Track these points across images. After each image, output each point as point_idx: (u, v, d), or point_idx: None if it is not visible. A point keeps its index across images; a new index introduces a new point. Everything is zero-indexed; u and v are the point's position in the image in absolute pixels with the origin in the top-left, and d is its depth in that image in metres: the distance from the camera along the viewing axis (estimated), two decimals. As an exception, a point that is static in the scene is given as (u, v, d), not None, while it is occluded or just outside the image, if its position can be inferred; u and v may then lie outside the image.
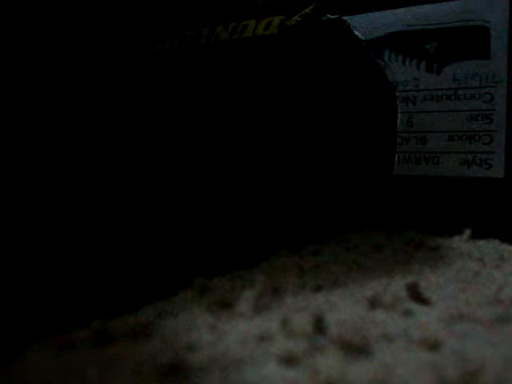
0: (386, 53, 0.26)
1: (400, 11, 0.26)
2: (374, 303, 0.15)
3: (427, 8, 0.25)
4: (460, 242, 0.23)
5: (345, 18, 0.27)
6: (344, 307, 0.15)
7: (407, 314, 0.14)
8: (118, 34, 0.30)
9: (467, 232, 0.23)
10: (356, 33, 0.27)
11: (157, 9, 0.32)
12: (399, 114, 0.26)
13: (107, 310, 0.14)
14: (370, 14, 0.27)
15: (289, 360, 0.12)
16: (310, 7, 0.28)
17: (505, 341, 0.12)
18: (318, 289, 0.17)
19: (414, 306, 0.15)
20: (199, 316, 0.15)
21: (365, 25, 0.27)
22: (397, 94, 0.26)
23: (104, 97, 0.28)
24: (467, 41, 0.24)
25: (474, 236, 0.23)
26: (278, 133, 0.25)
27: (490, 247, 0.22)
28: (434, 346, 0.12)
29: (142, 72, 0.30)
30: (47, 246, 0.20)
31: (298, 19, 0.28)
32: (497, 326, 0.13)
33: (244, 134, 0.25)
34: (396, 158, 0.26)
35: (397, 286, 0.16)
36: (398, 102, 0.26)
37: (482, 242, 0.23)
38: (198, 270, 0.18)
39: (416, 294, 0.16)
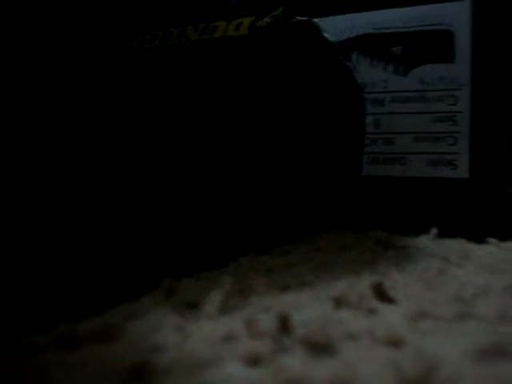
0: (355, 55, 0.27)
1: (368, 14, 0.26)
2: (339, 302, 0.15)
3: (394, 12, 0.26)
4: (426, 241, 0.23)
5: (315, 20, 0.27)
6: (310, 307, 0.15)
7: (372, 312, 0.15)
8: (87, 34, 0.30)
9: (434, 231, 0.23)
10: (325, 35, 0.27)
11: (127, 8, 0.32)
12: (367, 116, 0.26)
13: (73, 313, 0.14)
14: (339, 16, 0.27)
15: (253, 360, 0.12)
16: (281, 9, 0.28)
17: (463, 336, 0.13)
18: (286, 289, 0.17)
19: (379, 305, 0.15)
20: (166, 317, 0.14)
21: (334, 27, 0.27)
22: (365, 95, 0.26)
23: (75, 96, 0.28)
24: (433, 45, 0.25)
25: (441, 235, 0.23)
26: (245, 134, 0.25)
27: (455, 246, 0.23)
28: (397, 343, 0.13)
29: (114, 71, 0.30)
30: (8, 250, 0.19)
31: (269, 20, 0.28)
32: (457, 323, 0.14)
33: (211, 136, 0.25)
34: (364, 158, 0.26)
35: (363, 285, 0.16)
36: (366, 104, 0.26)
37: (447, 241, 0.23)
38: (166, 271, 0.18)
39: (381, 293, 0.16)
